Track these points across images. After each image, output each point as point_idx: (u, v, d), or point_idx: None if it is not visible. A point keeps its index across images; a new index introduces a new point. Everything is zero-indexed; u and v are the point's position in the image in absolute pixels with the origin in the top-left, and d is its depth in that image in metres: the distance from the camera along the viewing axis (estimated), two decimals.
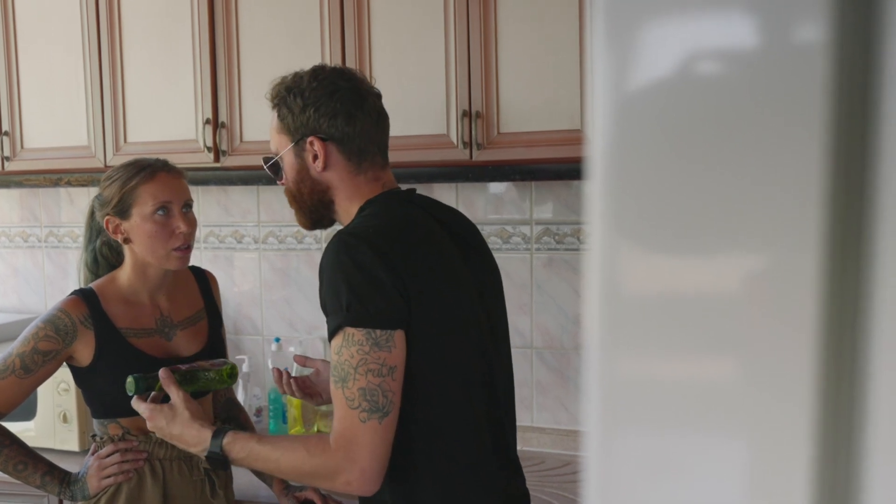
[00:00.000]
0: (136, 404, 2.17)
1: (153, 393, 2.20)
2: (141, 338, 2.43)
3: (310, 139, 1.99)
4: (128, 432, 2.41)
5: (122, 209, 2.36)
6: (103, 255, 2.51)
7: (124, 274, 2.45)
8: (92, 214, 2.49)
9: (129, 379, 2.19)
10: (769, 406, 0.57)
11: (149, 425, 2.16)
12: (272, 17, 3.27)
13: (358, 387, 1.79)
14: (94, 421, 2.48)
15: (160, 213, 2.36)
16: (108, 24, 3.51)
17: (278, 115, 2.04)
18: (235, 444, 1.98)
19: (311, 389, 2.39)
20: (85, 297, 2.39)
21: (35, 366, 2.32)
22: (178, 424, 2.08)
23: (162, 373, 2.17)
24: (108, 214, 2.38)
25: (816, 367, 0.55)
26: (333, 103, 1.98)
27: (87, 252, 2.53)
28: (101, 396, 2.41)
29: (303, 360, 2.40)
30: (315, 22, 3.19)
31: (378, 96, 2.07)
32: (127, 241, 2.39)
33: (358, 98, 2.01)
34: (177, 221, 2.38)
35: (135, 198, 2.36)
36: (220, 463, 2.03)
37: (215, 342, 2.60)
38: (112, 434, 2.42)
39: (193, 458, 2.43)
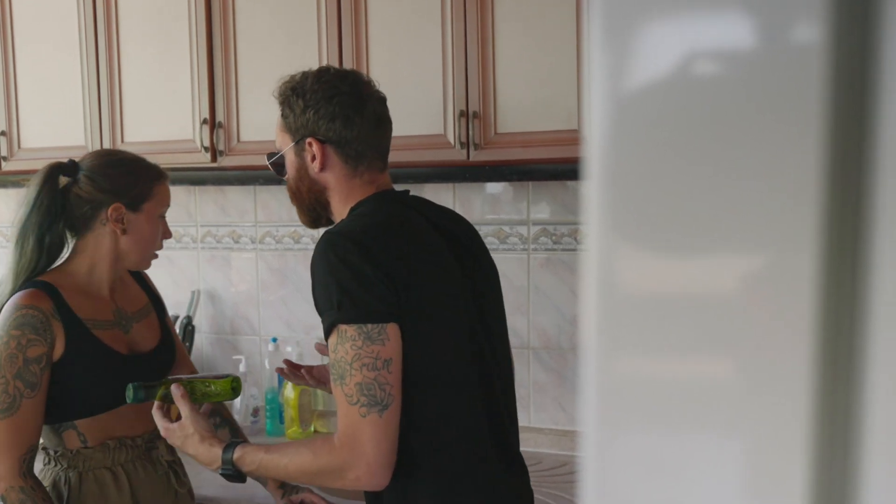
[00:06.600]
0: (156, 415, 2.16)
1: (157, 403, 2.16)
2: (104, 329, 2.35)
3: (308, 140, 2.02)
4: (85, 444, 2.32)
5: (135, 201, 2.34)
6: (61, 240, 2.36)
7: (83, 265, 2.36)
8: (62, 190, 2.34)
9: (129, 387, 2.14)
10: (766, 406, 0.57)
11: (168, 441, 2.15)
12: (269, 17, 3.27)
13: (355, 382, 1.81)
14: (45, 429, 2.31)
15: (161, 216, 2.41)
16: (106, 23, 3.51)
17: (282, 114, 2.08)
18: (245, 458, 2.00)
19: (325, 377, 2.41)
20: (46, 289, 2.28)
21: (36, 378, 2.21)
22: (191, 445, 2.09)
23: (174, 389, 2.13)
24: (118, 201, 2.32)
25: (813, 367, 0.55)
26: (332, 107, 2.00)
27: (49, 233, 2.32)
28: (66, 395, 2.28)
29: (323, 349, 2.41)
30: (312, 21, 3.19)
31: (381, 101, 2.09)
32: (124, 231, 2.34)
33: (357, 102, 2.02)
34: (166, 227, 2.44)
35: (151, 195, 2.37)
36: (236, 477, 2.04)
37: (168, 333, 2.59)
38: (68, 448, 2.32)
39: (153, 452, 2.42)
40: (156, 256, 2.46)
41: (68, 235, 2.38)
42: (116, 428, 2.37)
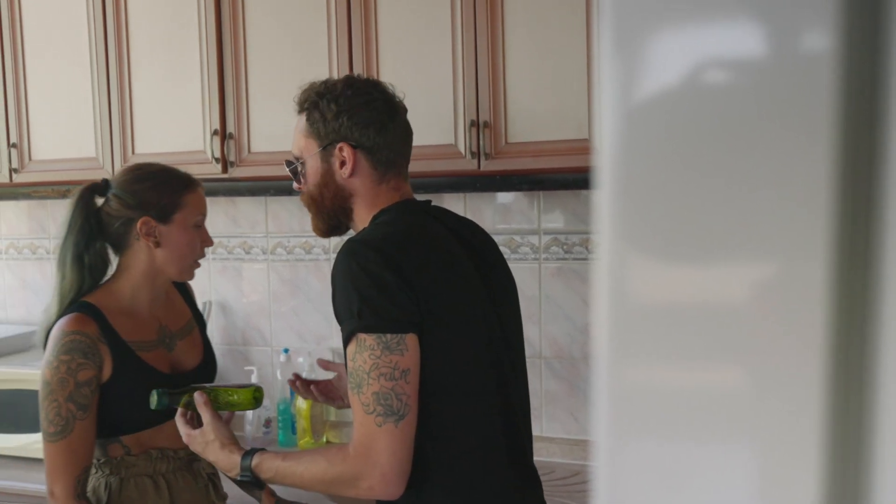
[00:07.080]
0: (179, 421, 2.18)
1: (180, 409, 2.20)
2: (148, 350, 2.38)
3: (340, 145, 2.02)
4: (128, 452, 2.37)
5: (164, 213, 2.34)
6: (102, 259, 2.40)
7: (127, 283, 2.39)
8: (96, 210, 2.37)
9: (154, 393, 2.18)
10: (778, 415, 0.57)
11: (190, 447, 2.18)
12: (279, 28, 3.27)
13: (372, 391, 1.80)
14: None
15: (196, 225, 2.40)
16: (116, 35, 3.52)
17: (308, 119, 2.06)
18: (263, 465, 2.01)
19: (332, 393, 2.43)
20: (90, 312, 2.31)
21: (87, 399, 2.24)
22: (211, 451, 2.11)
23: (198, 396, 2.16)
24: (146, 215, 2.33)
25: (825, 376, 0.55)
26: (368, 112, 2.01)
27: (87, 252, 2.36)
28: (111, 414, 2.32)
29: (325, 364, 2.45)
30: (322, 32, 3.19)
31: (405, 111, 2.10)
32: (157, 244, 2.35)
33: (391, 110, 2.04)
34: (205, 235, 2.44)
35: (181, 205, 2.36)
36: (254, 484, 2.05)
37: (210, 349, 2.62)
38: (111, 456, 2.36)
39: (194, 464, 2.45)
40: (198, 265, 2.45)
41: (111, 255, 2.41)
42: (158, 440, 2.40)
